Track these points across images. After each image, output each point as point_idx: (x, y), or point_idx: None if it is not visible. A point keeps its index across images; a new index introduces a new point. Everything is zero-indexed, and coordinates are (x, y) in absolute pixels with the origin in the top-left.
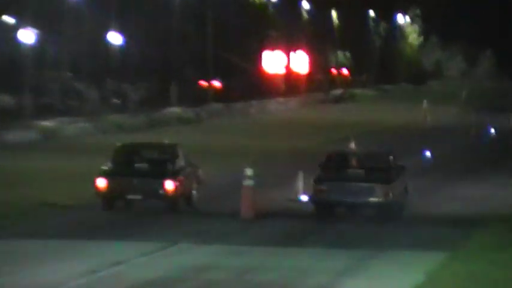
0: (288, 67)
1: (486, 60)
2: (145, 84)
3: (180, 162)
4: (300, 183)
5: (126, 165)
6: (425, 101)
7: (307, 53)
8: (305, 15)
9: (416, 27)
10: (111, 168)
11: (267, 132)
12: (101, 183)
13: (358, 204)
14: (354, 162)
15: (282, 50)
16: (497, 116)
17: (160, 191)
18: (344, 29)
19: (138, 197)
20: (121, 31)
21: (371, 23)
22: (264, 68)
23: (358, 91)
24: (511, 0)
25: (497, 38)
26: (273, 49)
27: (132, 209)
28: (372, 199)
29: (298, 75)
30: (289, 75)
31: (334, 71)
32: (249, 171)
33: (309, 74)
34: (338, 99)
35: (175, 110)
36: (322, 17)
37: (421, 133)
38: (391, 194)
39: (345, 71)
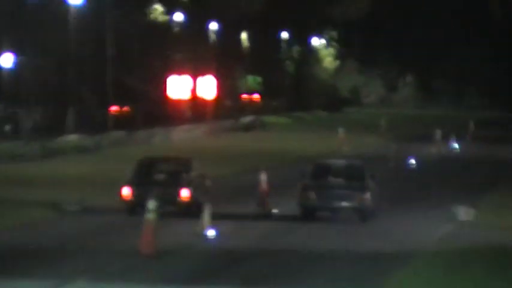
0: (194, 92)
1: (407, 86)
2: (40, 109)
3: (194, 173)
4: (206, 216)
5: (147, 175)
6: (341, 130)
7: (215, 77)
8: (213, 36)
9: (332, 50)
10: (134, 178)
11: None
12: (126, 191)
13: (340, 208)
14: (335, 172)
15: (188, 73)
16: (419, 146)
17: (176, 199)
18: (255, 52)
19: (159, 203)
20: (14, 52)
21: (284, 46)
22: (169, 93)
23: (270, 118)
24: (431, 23)
25: (420, 60)
26: (178, 73)
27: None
28: (351, 204)
29: (205, 101)
30: (196, 101)
31: (244, 96)
32: (151, 204)
33: (217, 100)
34: (248, 127)
35: (72, 137)
36: (232, 38)
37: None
38: (366, 200)
39: (256, 97)
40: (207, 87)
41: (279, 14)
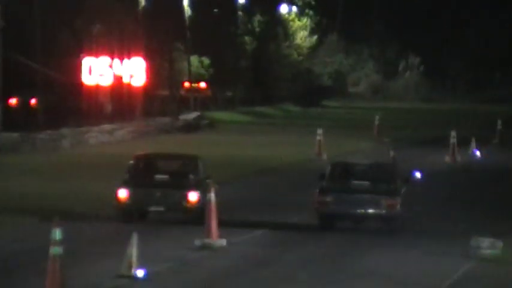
0: (118, 79)
1: (410, 71)
2: None
3: (201, 174)
4: (134, 251)
5: (147, 176)
6: (319, 131)
7: (147, 58)
8: (144, 2)
9: (307, 21)
10: (132, 178)
11: (82, 173)
12: (122, 194)
13: (364, 215)
14: (359, 172)
15: (109, 53)
16: (427, 153)
17: (183, 203)
18: (201, 25)
19: (161, 208)
20: None
21: (241, 16)
22: (83, 80)
23: (221, 115)
24: None
25: (429, 35)
26: (96, 53)
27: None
28: (377, 211)
29: (133, 91)
30: (120, 92)
31: (187, 85)
32: (57, 234)
33: (150, 90)
34: (192, 127)
35: None
36: (170, 6)
37: (311, 177)
38: (397, 206)
39: (203, 86)
40: (136, 72)
41: None
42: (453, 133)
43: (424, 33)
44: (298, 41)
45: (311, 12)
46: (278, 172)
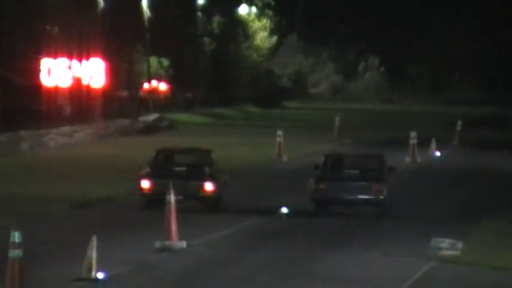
0: (77, 81)
1: (370, 72)
2: None
3: (215, 166)
4: (94, 254)
5: (167, 168)
6: (279, 132)
7: (106, 59)
8: (102, 3)
9: (266, 22)
10: (153, 170)
11: (41, 177)
12: (145, 184)
13: (354, 200)
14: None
15: (68, 55)
16: (388, 154)
17: (200, 192)
18: (160, 25)
19: (180, 197)
20: None
21: (200, 17)
22: (42, 82)
23: (181, 116)
24: None
25: (389, 36)
26: (54, 54)
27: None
28: (366, 197)
29: (92, 93)
30: (80, 93)
31: (146, 86)
32: (16, 236)
33: (109, 91)
34: (152, 129)
35: None
36: (128, 6)
37: (273, 178)
38: (384, 192)
39: (162, 87)
40: (95, 73)
41: None
42: (413, 134)
43: (383, 34)
44: (257, 41)
45: (270, 13)
46: (239, 173)
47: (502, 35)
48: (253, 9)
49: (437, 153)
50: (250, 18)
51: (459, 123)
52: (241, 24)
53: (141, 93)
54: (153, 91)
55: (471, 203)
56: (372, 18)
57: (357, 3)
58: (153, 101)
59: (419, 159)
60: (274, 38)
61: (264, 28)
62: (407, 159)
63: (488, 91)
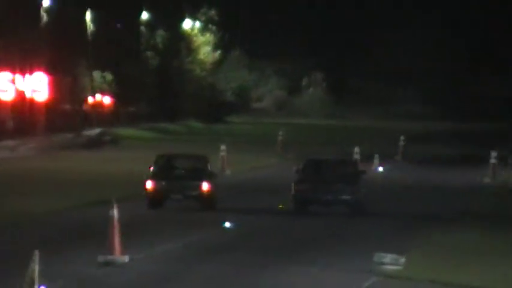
0: (20, 94)
1: (314, 87)
2: None
3: (209, 169)
4: (36, 268)
5: (169, 170)
6: (223, 147)
7: (49, 73)
8: (46, 16)
9: (210, 37)
10: (156, 172)
11: None
12: (150, 185)
13: (332, 200)
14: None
15: (11, 68)
16: None
17: (197, 192)
18: (104, 39)
19: (179, 196)
20: None
21: (144, 31)
22: None
23: (125, 131)
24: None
25: (333, 50)
26: None
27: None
28: (343, 197)
29: (35, 106)
30: (22, 106)
31: (90, 100)
32: None
33: (52, 105)
34: (95, 143)
35: None
36: (72, 19)
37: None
38: (359, 193)
39: (106, 101)
40: (38, 87)
41: None
42: (356, 149)
43: (327, 49)
44: (201, 56)
45: (214, 28)
46: None
47: (449, 50)
48: (197, 24)
49: (380, 169)
50: (194, 33)
51: (402, 138)
52: (184, 38)
53: (84, 108)
54: (97, 105)
55: (412, 217)
56: (316, 32)
57: (300, 18)
58: (97, 115)
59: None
60: (218, 53)
61: (207, 43)
62: None
63: (433, 106)
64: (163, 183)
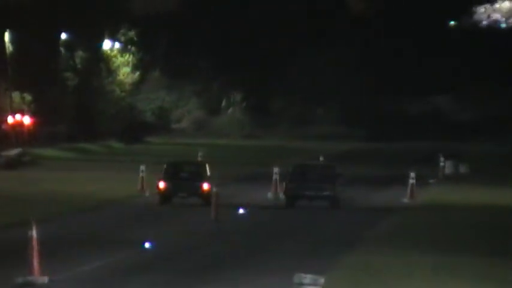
0: None
1: (234, 108)
2: None
3: (208, 172)
4: None
5: (176, 173)
6: (142, 167)
7: None
8: None
9: (129, 57)
10: (166, 175)
11: None
12: (161, 185)
13: (315, 196)
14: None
15: None
16: (251, 189)
17: (199, 190)
18: (23, 59)
19: (185, 194)
20: None
21: (64, 51)
22: None
23: (44, 151)
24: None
25: (252, 71)
26: None
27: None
28: (323, 193)
29: None
30: None
31: (10, 120)
32: None
33: None
34: (13, 163)
35: None
36: None
37: (137, 212)
38: (335, 189)
39: (25, 121)
40: None
41: (56, 6)
42: (275, 169)
43: (246, 70)
44: (120, 77)
45: (133, 49)
46: (100, 209)
47: (365, 70)
48: (116, 44)
49: None
50: (113, 54)
51: (321, 158)
52: (104, 59)
53: (4, 128)
54: (17, 126)
55: (333, 238)
56: (235, 54)
57: (219, 39)
58: (16, 135)
59: (281, 195)
60: (137, 74)
61: (126, 63)
62: (270, 195)
63: (353, 127)
64: (172, 183)
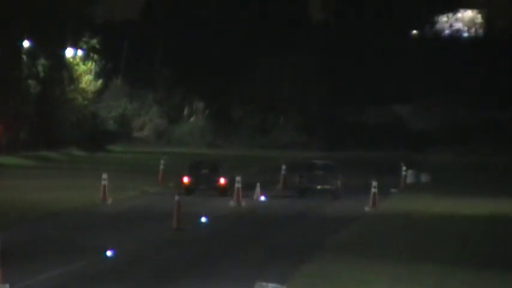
0: None
1: (195, 116)
2: None
3: (225, 169)
4: None
5: (197, 170)
6: (104, 175)
7: None
8: None
9: (92, 65)
10: (189, 171)
11: None
12: (186, 179)
13: (321, 189)
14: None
15: None
16: (212, 198)
17: (217, 184)
18: None
19: (205, 187)
20: None
21: (25, 60)
22: None
23: (4, 159)
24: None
25: (214, 80)
26: None
27: None
28: (328, 186)
29: None
30: None
31: None
32: None
33: None
34: None
35: None
36: None
37: (99, 221)
38: (338, 183)
39: None
40: None
41: (18, 14)
42: (238, 178)
43: (208, 78)
44: (83, 85)
45: (96, 57)
46: (61, 217)
47: (326, 79)
48: (79, 52)
49: (263, 198)
50: (76, 62)
51: (283, 167)
52: (66, 67)
53: None
54: None
55: (294, 246)
56: (197, 62)
57: (181, 48)
58: None
59: (243, 204)
60: (99, 82)
61: (89, 71)
62: (232, 203)
63: (312, 135)
64: (195, 178)
